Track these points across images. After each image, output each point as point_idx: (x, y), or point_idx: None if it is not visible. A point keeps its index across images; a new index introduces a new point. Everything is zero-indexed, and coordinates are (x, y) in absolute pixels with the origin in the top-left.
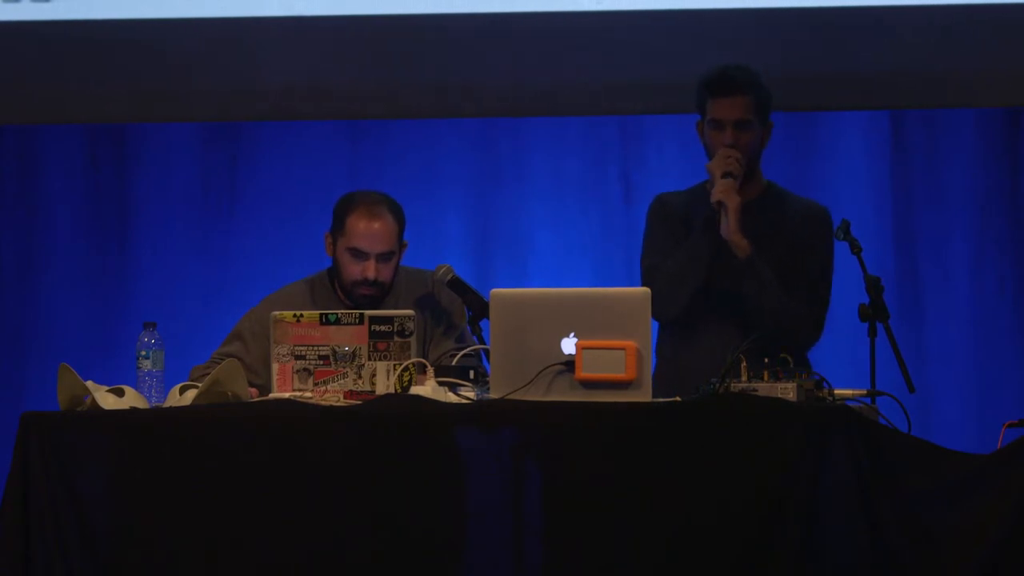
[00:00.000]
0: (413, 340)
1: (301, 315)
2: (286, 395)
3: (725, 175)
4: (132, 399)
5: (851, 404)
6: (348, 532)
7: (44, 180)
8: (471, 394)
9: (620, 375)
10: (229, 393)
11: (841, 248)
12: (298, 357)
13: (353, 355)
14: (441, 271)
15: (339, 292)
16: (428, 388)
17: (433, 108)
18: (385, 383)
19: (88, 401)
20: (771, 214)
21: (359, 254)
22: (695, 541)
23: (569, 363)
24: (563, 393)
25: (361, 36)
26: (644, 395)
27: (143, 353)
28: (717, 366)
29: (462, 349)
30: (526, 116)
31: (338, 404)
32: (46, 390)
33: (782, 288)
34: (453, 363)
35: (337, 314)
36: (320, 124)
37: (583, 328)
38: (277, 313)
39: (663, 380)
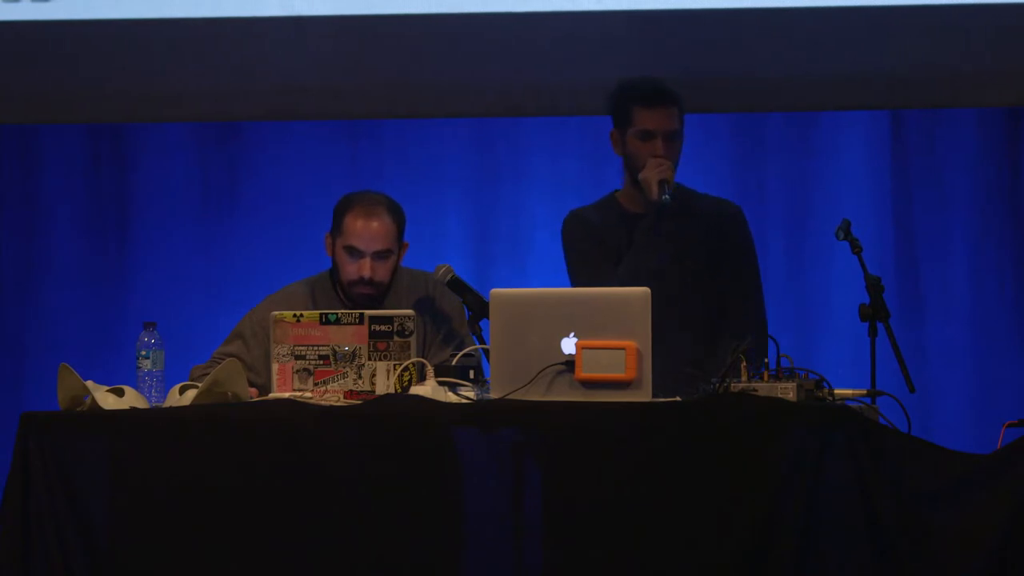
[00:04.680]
0: (413, 340)
1: (301, 315)
2: (286, 395)
3: (661, 183)
4: (132, 399)
5: (851, 404)
6: (348, 532)
7: (45, 179)
8: (471, 394)
9: (620, 375)
10: (229, 393)
11: (841, 248)
12: (298, 357)
13: (353, 355)
14: (441, 271)
15: (340, 293)
16: (428, 388)
17: (433, 108)
18: (385, 383)
19: (88, 401)
20: (681, 216)
21: (355, 252)
22: (695, 541)
23: (569, 363)
24: (563, 393)
25: (361, 36)
26: (644, 395)
27: (143, 353)
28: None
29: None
30: (526, 116)
31: (338, 404)
32: (46, 390)
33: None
34: (453, 363)
35: (337, 314)
36: (320, 124)
37: (583, 328)
38: (277, 313)
39: None
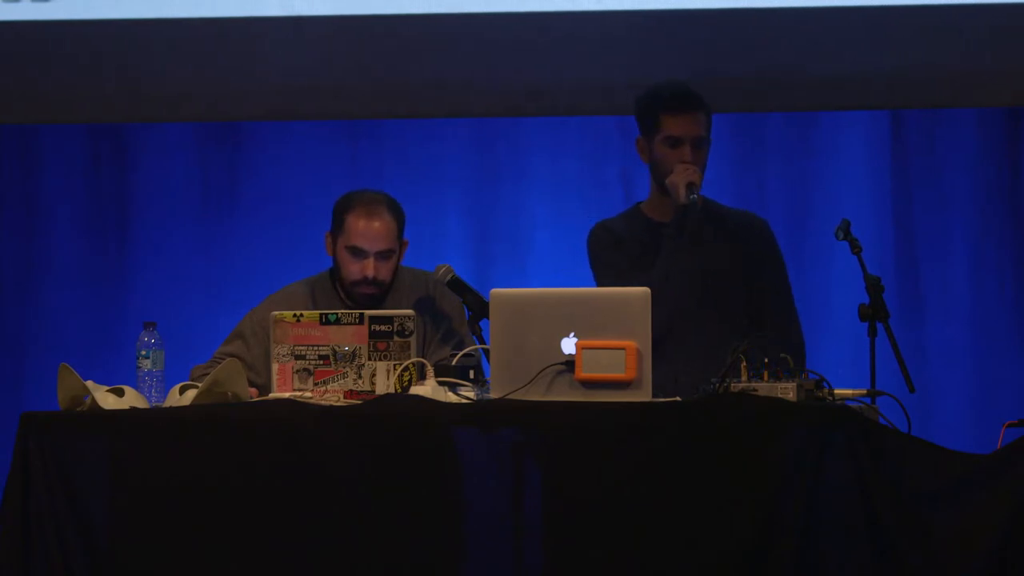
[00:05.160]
0: (413, 340)
1: (301, 315)
2: (286, 395)
3: (688, 185)
4: (132, 399)
5: (851, 404)
6: (347, 532)
7: (45, 180)
8: (471, 394)
9: (620, 375)
10: (229, 393)
11: (841, 248)
12: (298, 357)
13: (353, 355)
14: (441, 271)
15: (340, 292)
16: (428, 388)
17: (433, 108)
18: (385, 383)
19: (88, 401)
20: (712, 226)
21: (358, 252)
22: (695, 541)
23: (569, 363)
24: (563, 393)
25: (361, 36)
26: (644, 395)
27: (143, 353)
28: (708, 365)
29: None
30: (526, 116)
31: (338, 404)
32: (46, 390)
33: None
34: (453, 363)
35: (337, 314)
36: (320, 124)
37: (583, 328)
38: (277, 313)
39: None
